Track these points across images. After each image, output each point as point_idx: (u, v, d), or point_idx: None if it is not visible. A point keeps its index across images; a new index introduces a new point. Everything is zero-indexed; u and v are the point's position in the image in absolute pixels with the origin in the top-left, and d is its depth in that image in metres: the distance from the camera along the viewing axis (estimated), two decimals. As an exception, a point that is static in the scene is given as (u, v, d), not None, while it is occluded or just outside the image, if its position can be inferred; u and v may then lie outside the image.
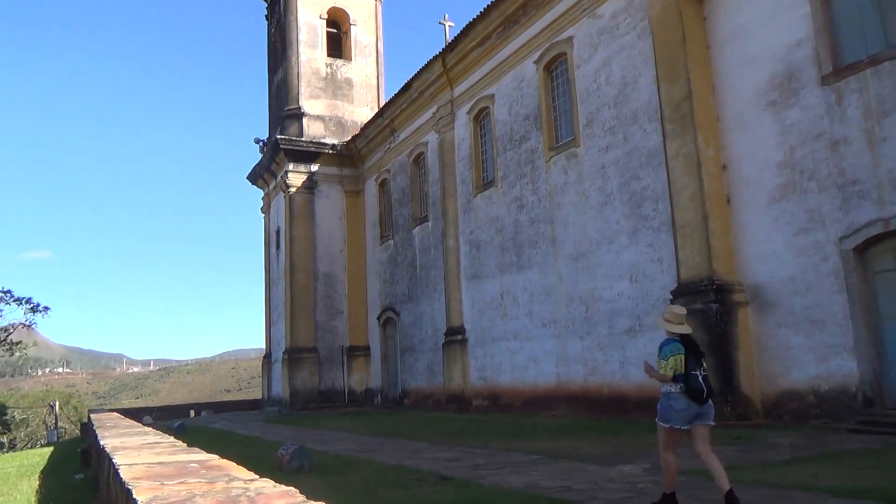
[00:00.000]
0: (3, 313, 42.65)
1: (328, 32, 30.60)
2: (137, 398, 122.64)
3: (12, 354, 45.92)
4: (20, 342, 44.92)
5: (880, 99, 10.43)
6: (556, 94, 17.77)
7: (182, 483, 2.92)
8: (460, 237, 21.62)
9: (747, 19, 12.50)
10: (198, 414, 34.77)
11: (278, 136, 28.78)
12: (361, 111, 30.32)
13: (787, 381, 11.71)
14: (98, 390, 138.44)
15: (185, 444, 5.15)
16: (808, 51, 11.46)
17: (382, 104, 28.93)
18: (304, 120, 29.21)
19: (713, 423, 5.91)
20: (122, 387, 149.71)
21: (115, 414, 17.19)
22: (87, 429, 16.39)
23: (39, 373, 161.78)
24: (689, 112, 12.93)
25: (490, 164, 20.51)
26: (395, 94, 25.33)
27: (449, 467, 8.98)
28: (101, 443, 6.10)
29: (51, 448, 23.32)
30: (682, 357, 5.75)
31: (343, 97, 30.38)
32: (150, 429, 8.32)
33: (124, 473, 3.34)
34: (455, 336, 21.28)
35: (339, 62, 30.59)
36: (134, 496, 2.69)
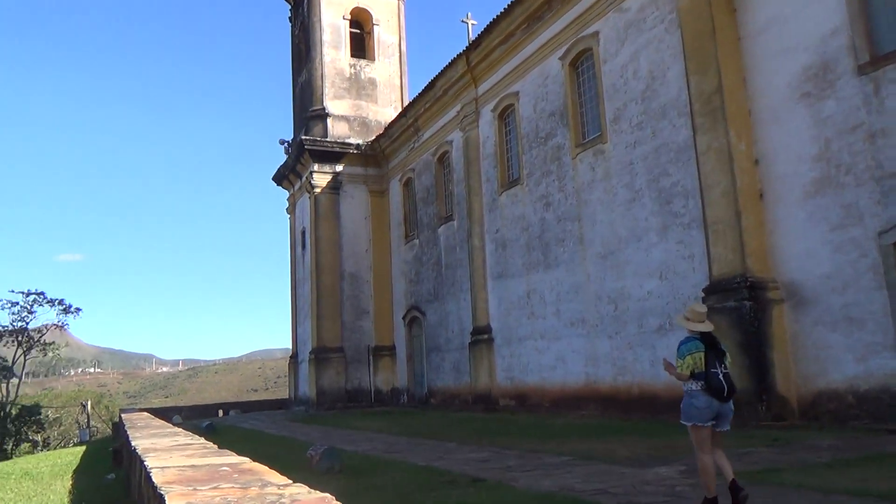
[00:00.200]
0: (37, 315, 43.60)
1: (351, 33, 30.67)
2: (167, 397, 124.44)
3: (46, 355, 46.87)
4: (53, 343, 45.84)
5: (921, 88, 10.09)
6: (583, 90, 17.55)
7: (215, 489, 2.85)
8: (486, 236, 21.48)
9: (779, 9, 12.19)
10: (226, 413, 35.10)
11: (303, 137, 28.91)
12: (385, 111, 30.33)
13: (825, 381, 11.39)
14: (128, 390, 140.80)
15: (215, 446, 5.12)
16: (843, 40, 11.13)
17: (406, 103, 28.91)
18: (329, 120, 29.30)
19: (728, 429, 5.93)
20: (151, 386, 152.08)
21: (146, 414, 17.38)
22: (119, 428, 16.59)
23: (72, 373, 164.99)
24: (720, 105, 12.65)
25: (515, 162, 20.35)
26: (419, 93, 25.28)
27: (480, 469, 8.87)
28: (133, 444, 6.10)
29: (83, 447, 23.69)
30: (702, 355, 5.71)
31: (367, 97, 30.42)
32: (181, 429, 8.33)
33: (156, 477, 3.29)
34: (481, 335, 21.16)
35: (363, 62, 30.63)
36: (167, 502, 2.63)
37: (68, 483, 11.94)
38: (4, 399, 41.79)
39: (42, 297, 42.98)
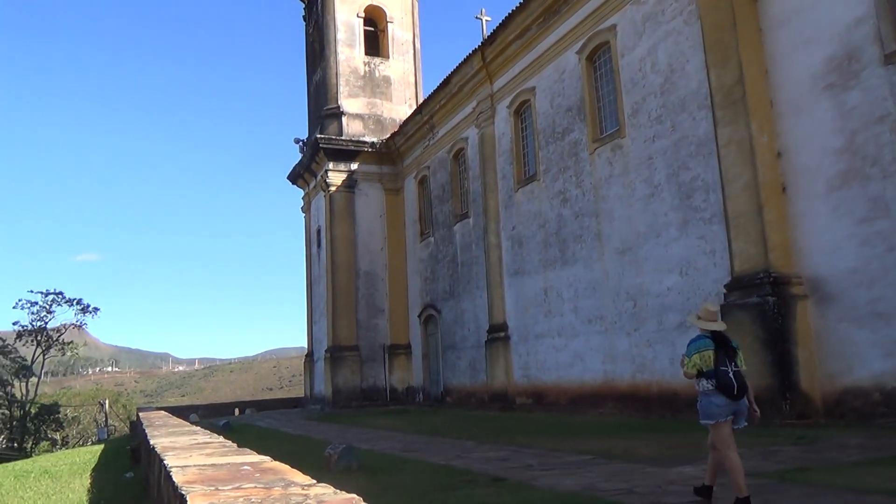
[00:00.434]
0: (56, 314, 44.06)
1: (365, 31, 30.61)
2: (183, 396, 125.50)
3: (64, 354, 47.38)
4: (72, 342, 46.32)
5: (951, 78, 9.82)
6: (600, 84, 17.35)
7: (237, 489, 2.75)
8: (502, 233, 21.33)
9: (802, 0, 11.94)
10: (242, 412, 35.21)
11: (318, 136, 28.89)
12: (400, 109, 30.24)
13: (850, 378, 11.15)
14: (145, 388, 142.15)
15: (235, 445, 5.03)
16: (868, 29, 10.87)
17: (421, 101, 28.79)
18: (344, 119, 29.27)
19: (745, 425, 5.92)
20: (168, 385, 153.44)
21: (163, 412, 17.41)
22: (137, 427, 16.63)
23: (90, 372, 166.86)
24: (742, 98, 12.42)
25: (531, 159, 20.18)
26: (434, 90, 25.16)
27: (500, 468, 8.74)
28: (151, 442, 6.03)
29: (101, 445, 23.82)
30: (711, 353, 5.72)
31: (381, 95, 30.34)
32: (199, 428, 8.28)
33: (177, 477, 3.20)
34: (498, 333, 21.02)
35: (377, 60, 30.56)
36: (189, 503, 2.53)
37: (87, 481, 11.96)
38: (24, 398, 42.24)
39: (61, 296, 43.48)
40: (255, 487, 2.78)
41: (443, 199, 25.99)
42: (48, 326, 43.58)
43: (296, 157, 33.06)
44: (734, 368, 5.70)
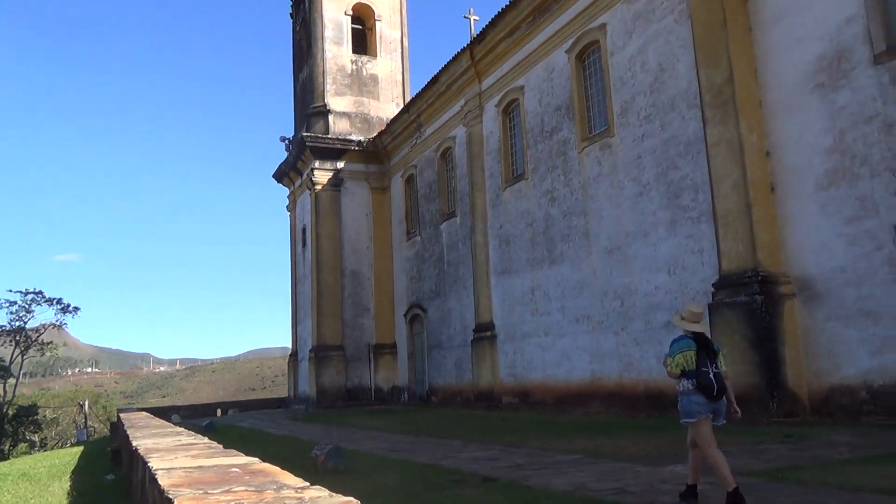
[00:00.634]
0: (35, 314, 43.32)
1: (353, 29, 30.39)
2: (164, 397, 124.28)
3: (43, 354, 46.64)
4: (51, 342, 45.59)
5: (939, 78, 9.86)
6: (589, 83, 17.30)
7: (227, 492, 2.61)
8: (489, 232, 21.24)
9: (793, -1, 11.95)
10: (224, 412, 34.85)
11: (304, 134, 28.65)
12: (387, 107, 30.07)
13: (838, 377, 11.17)
14: (126, 389, 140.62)
15: (220, 446, 4.87)
16: (858, 29, 10.89)
17: (408, 100, 28.64)
18: (330, 117, 29.03)
19: (723, 422, 6.01)
20: (148, 386, 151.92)
21: (145, 413, 17.13)
22: (118, 428, 16.34)
23: (69, 373, 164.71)
24: (731, 97, 12.42)
25: (520, 158, 20.10)
26: (422, 89, 25.01)
27: (490, 467, 8.63)
28: (134, 444, 5.85)
29: (81, 447, 23.42)
30: (693, 354, 5.82)
31: (368, 93, 30.14)
32: (183, 429, 8.09)
33: (162, 480, 3.04)
34: (484, 332, 20.93)
35: (365, 58, 30.36)
36: (176, 507, 2.39)
37: (66, 484, 11.68)
38: (2, 399, 41.52)
39: (40, 296, 42.74)
40: (246, 491, 2.64)
41: (430, 197, 25.85)
42: (27, 326, 42.87)
43: (282, 155, 32.78)
44: (715, 370, 5.81)
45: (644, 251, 14.94)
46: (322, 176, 28.65)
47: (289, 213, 34.17)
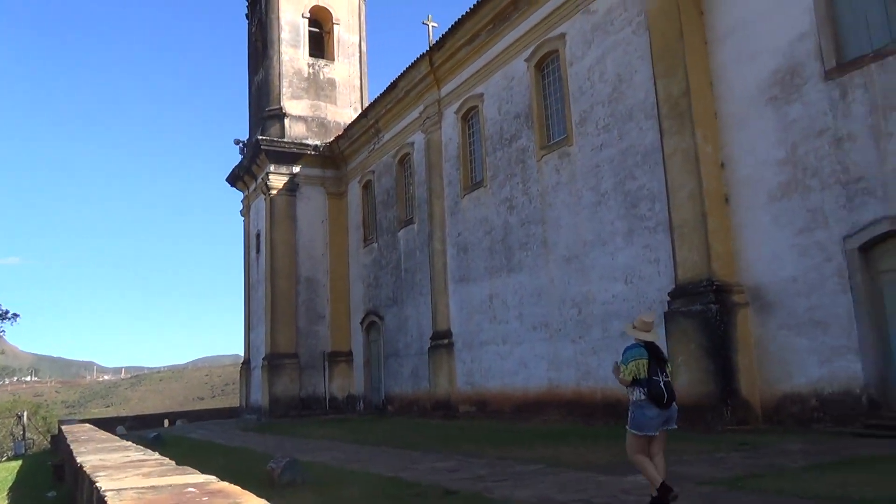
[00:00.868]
0: (-30, 321, 41.32)
1: (311, 32, 30.01)
2: (108, 406, 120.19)
3: (-21, 363, 44.51)
4: (-13, 350, 43.57)
5: (886, 94, 10.19)
6: (548, 92, 17.41)
7: (186, 517, 2.41)
8: (447, 239, 21.15)
9: (748, 13, 12.22)
10: (172, 423, 33.82)
11: (259, 137, 28.11)
12: (344, 112, 29.76)
13: (789, 385, 11.42)
14: (67, 399, 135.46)
15: (173, 462, 4.62)
16: (811, 45, 11.20)
17: (366, 105, 28.40)
18: (286, 121, 28.57)
19: (675, 427, 6.16)
20: (92, 395, 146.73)
21: (88, 425, 16.43)
22: (59, 441, 15.62)
23: (6, 382, 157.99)
24: (687, 108, 12.63)
25: (479, 165, 20.09)
26: (381, 94, 24.82)
27: (450, 479, 8.48)
28: (79, 460, 5.51)
29: (19, 461, 22.33)
30: (645, 362, 5.96)
31: (326, 98, 29.78)
32: (130, 442, 7.71)
33: (113, 502, 2.82)
34: (441, 340, 20.79)
35: (322, 62, 30.00)
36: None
37: (4, 502, 11.07)
38: (-67, 410, 39.43)
39: (-24, 301, 40.84)
40: (206, 515, 2.45)
41: (387, 204, 25.64)
42: (-38, 333, 40.86)
43: (235, 158, 32.08)
44: (665, 378, 5.97)
45: (602, 260, 15.06)
46: (277, 180, 28.14)
47: (242, 218, 33.46)
